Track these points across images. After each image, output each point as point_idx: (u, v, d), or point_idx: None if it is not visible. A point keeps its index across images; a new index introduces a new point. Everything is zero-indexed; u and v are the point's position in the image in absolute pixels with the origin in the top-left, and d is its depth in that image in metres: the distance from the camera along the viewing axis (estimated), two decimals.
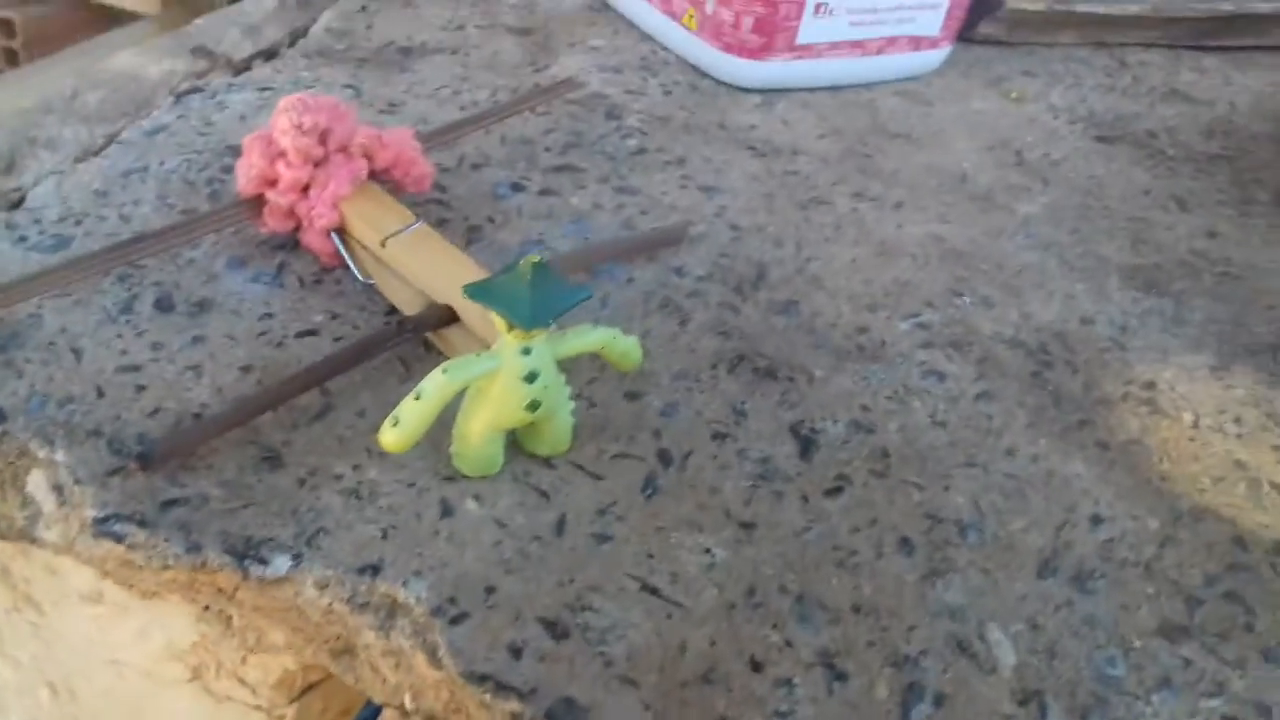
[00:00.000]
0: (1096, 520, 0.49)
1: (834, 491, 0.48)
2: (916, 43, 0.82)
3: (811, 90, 0.81)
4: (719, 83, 0.80)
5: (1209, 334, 0.61)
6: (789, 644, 0.42)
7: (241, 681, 0.81)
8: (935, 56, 0.85)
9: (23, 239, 0.55)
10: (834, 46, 0.78)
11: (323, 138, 0.53)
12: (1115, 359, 0.58)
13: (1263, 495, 0.51)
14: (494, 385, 0.44)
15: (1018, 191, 0.72)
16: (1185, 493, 0.51)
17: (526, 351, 0.43)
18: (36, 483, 0.45)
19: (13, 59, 1.65)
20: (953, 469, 0.50)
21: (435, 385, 0.43)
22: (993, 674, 0.42)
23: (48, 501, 0.44)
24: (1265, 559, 0.48)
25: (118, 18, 1.66)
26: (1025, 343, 0.58)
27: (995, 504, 0.49)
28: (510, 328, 0.42)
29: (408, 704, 0.43)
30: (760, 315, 0.57)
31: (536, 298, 0.42)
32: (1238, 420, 0.55)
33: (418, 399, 0.43)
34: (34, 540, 0.46)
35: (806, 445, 0.50)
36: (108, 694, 0.87)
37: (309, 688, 0.86)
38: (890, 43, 0.81)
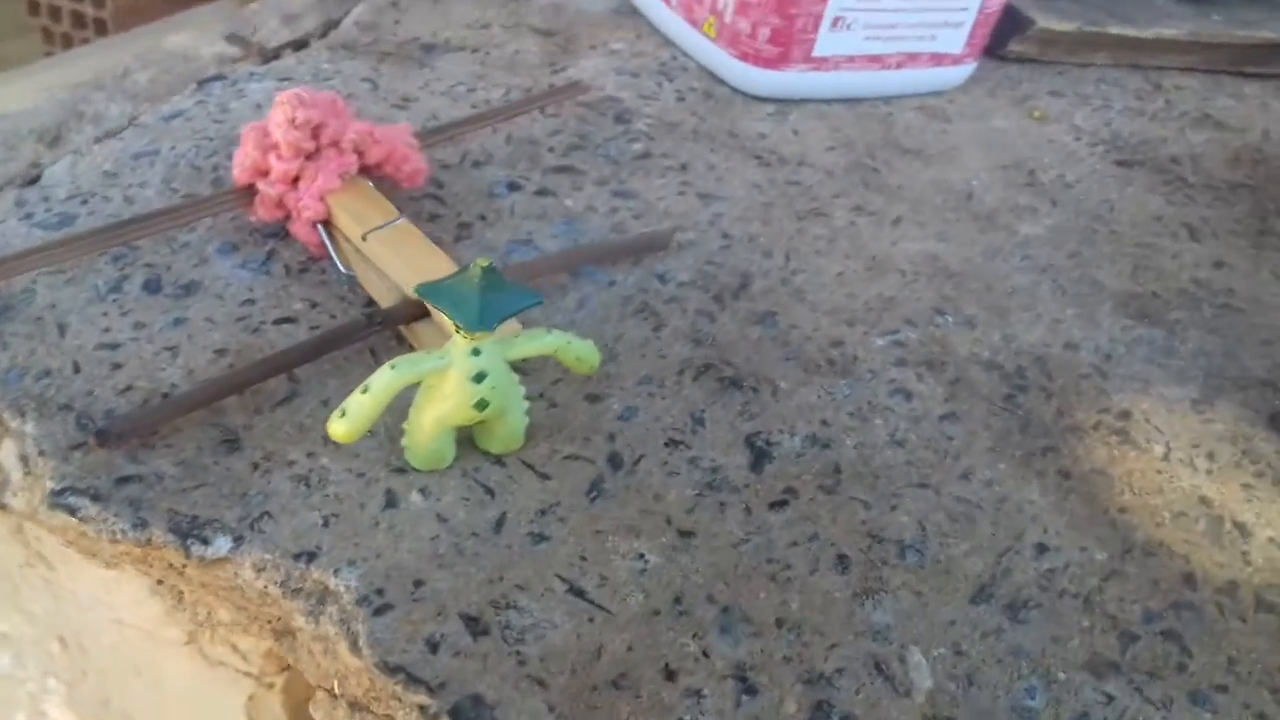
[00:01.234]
0: (1042, 549, 0.48)
1: (779, 505, 0.49)
2: (938, 59, 0.82)
3: (828, 102, 0.81)
4: (735, 91, 0.80)
5: (1197, 366, 0.60)
6: (706, 654, 0.42)
7: (234, 648, 0.84)
8: (958, 73, 0.84)
9: (29, 215, 0.58)
10: (850, 60, 0.78)
11: (315, 132, 0.55)
12: (1093, 386, 0.58)
13: (1223, 533, 0.51)
14: (445, 383, 0.45)
15: (1023, 212, 0.72)
16: (1141, 525, 0.50)
17: (476, 352, 0.44)
18: (7, 452, 0.47)
19: (102, 29, 1.70)
20: (903, 489, 0.50)
21: (383, 380, 0.44)
22: (906, 697, 0.42)
23: (15, 470, 0.47)
24: (1213, 598, 0.48)
25: None
26: (1002, 365, 0.58)
27: (940, 526, 0.49)
28: (459, 328, 0.43)
29: (336, 689, 0.45)
30: (736, 325, 0.58)
31: (485, 301, 0.43)
32: (1210, 455, 0.55)
33: (365, 392, 0.44)
34: (3, 507, 0.48)
35: (759, 457, 0.51)
36: (113, 650, 0.90)
37: None
38: (910, 58, 0.81)
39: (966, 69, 0.84)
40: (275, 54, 0.80)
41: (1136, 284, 0.66)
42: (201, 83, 0.72)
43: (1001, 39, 0.90)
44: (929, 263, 0.65)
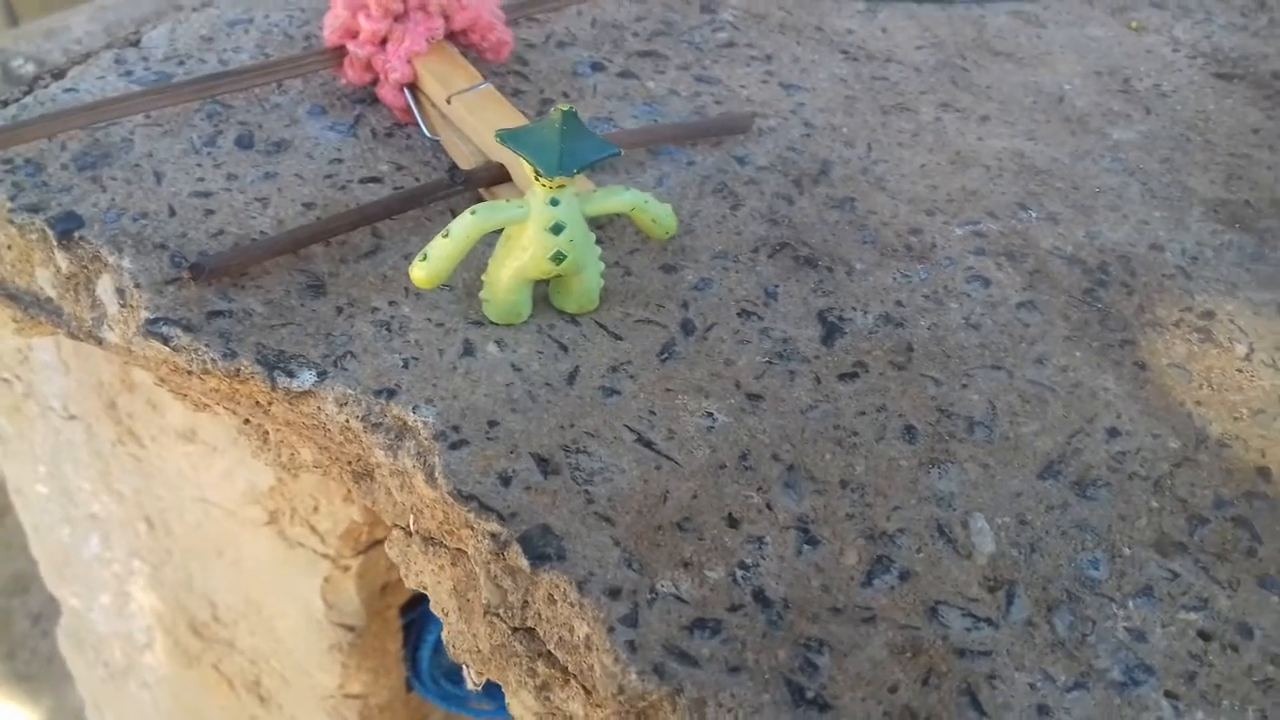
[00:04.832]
0: (1114, 433, 0.48)
1: (848, 376, 0.49)
2: None
3: (919, 2, 0.80)
4: None
5: None
6: (769, 507, 0.43)
7: (312, 529, 0.86)
8: None
9: (128, 73, 0.59)
10: None
11: None
12: (1177, 286, 0.57)
13: None
14: (523, 234, 0.46)
15: (1115, 117, 0.70)
16: (1217, 419, 0.50)
17: (554, 203, 0.45)
18: (104, 287, 0.49)
19: None
20: (976, 369, 0.50)
21: (462, 225, 0.45)
22: (967, 559, 0.42)
23: (112, 304, 0.49)
24: None
25: None
26: (1084, 261, 0.57)
27: (1011, 405, 0.49)
28: (538, 176, 0.44)
29: (411, 525, 0.46)
30: (814, 209, 0.58)
31: (565, 147, 0.43)
32: None
33: (446, 237, 0.45)
34: (99, 341, 0.50)
35: (831, 331, 0.51)
36: (196, 530, 0.94)
37: (375, 543, 0.91)
38: None
39: None
40: None
41: (1229, 192, 0.65)
42: None
43: None
44: (1015, 159, 0.64)
